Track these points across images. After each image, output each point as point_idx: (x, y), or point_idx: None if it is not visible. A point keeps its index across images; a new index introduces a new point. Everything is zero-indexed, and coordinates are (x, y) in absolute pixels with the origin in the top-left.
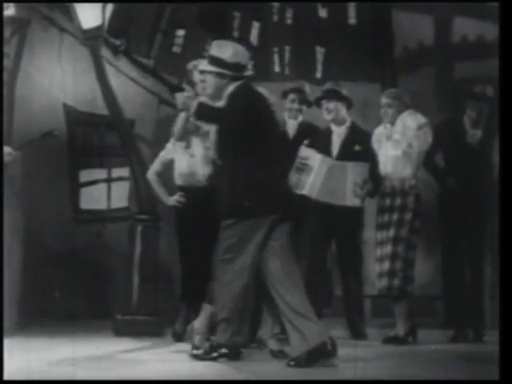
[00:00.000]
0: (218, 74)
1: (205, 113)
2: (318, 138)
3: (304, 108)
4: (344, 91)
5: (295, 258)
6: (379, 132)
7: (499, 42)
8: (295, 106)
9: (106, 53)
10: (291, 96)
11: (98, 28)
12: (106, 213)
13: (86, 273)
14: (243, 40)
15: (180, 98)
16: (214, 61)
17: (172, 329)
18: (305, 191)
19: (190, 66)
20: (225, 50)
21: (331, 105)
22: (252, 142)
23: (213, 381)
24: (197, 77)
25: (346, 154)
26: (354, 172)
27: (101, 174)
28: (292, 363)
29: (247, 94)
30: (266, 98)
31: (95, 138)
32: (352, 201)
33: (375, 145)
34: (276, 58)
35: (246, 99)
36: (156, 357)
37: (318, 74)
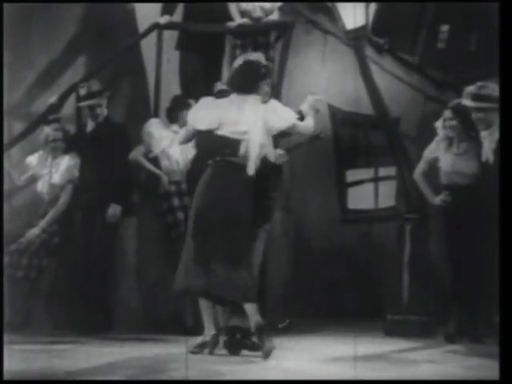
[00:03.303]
0: None
1: None
2: None
3: None
4: None
5: None
6: None
7: (499, 41)
8: None
9: (370, 52)
10: None
11: (362, 28)
12: (373, 212)
13: (355, 272)
14: None
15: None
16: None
17: (444, 329)
18: None
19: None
20: None
21: None
22: None
23: (213, 381)
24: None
25: None
26: None
27: (367, 173)
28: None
29: None
30: None
31: (361, 137)
32: None
33: None
34: None
35: None
36: (428, 358)
37: None
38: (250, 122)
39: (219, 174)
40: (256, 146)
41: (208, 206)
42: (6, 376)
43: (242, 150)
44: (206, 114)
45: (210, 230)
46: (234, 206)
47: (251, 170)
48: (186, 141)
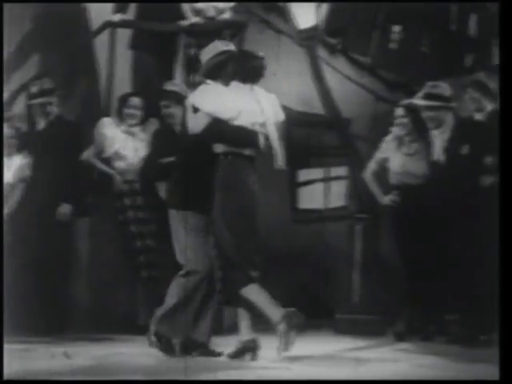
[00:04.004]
0: None
1: None
2: None
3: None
4: None
5: None
6: None
7: (499, 41)
8: (475, 96)
9: (322, 52)
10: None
11: (314, 28)
12: (324, 212)
13: (306, 272)
14: None
15: None
16: None
17: (393, 328)
18: None
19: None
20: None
21: None
22: None
23: (213, 381)
24: None
25: None
26: None
27: (319, 173)
28: None
29: None
30: None
31: (313, 137)
32: None
33: None
34: (495, 50)
35: None
36: (378, 356)
37: None
38: (265, 112)
39: (237, 171)
40: (276, 139)
41: (236, 210)
42: None
43: (261, 142)
44: (224, 101)
45: (247, 229)
46: (255, 205)
47: (281, 163)
48: (203, 129)
